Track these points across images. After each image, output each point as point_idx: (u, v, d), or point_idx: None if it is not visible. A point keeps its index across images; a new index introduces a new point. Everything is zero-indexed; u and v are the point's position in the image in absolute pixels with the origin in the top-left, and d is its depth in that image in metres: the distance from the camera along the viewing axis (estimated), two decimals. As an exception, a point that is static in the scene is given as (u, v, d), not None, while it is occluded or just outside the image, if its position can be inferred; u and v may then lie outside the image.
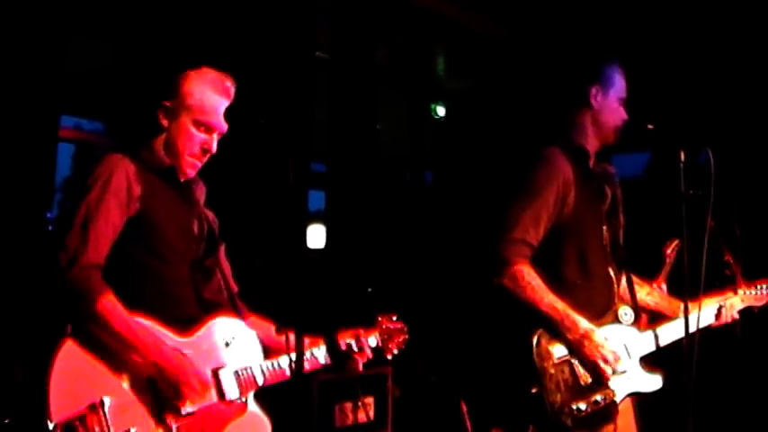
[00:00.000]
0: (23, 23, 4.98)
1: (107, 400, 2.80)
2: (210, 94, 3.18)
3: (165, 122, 3.17)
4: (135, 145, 3.18)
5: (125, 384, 2.88)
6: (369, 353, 3.52)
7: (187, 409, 2.94)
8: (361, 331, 3.55)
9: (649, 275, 4.02)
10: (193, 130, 3.16)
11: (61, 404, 2.74)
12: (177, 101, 3.16)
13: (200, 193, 3.35)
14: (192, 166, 3.21)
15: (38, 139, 5.10)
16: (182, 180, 3.23)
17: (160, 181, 3.14)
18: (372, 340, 3.58)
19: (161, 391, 2.91)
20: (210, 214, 3.39)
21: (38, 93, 5.08)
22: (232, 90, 3.25)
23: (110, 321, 2.84)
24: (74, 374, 2.80)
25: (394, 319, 3.72)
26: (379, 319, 3.67)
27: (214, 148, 3.20)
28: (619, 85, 3.67)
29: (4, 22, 4.89)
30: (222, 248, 3.39)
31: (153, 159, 3.16)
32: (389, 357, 3.67)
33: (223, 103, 3.22)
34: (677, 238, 4.15)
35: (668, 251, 4.46)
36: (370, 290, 3.66)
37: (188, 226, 3.21)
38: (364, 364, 3.52)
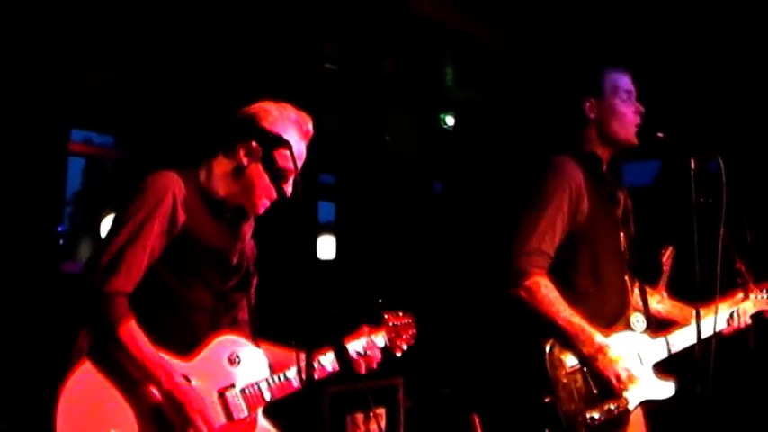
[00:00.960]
0: (33, 37, 5.00)
1: None
2: (296, 140, 3.10)
3: (244, 160, 3.10)
4: (194, 163, 3.15)
5: (133, 416, 2.85)
6: (377, 354, 3.45)
7: None
8: (366, 329, 3.48)
9: (655, 284, 4.00)
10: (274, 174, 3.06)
11: None
12: (264, 140, 3.01)
13: (248, 227, 3.28)
14: (264, 206, 3.15)
15: (48, 152, 5.12)
16: (227, 213, 3.16)
17: (207, 210, 3.09)
18: (380, 340, 3.51)
19: (167, 420, 2.88)
20: (251, 244, 3.34)
21: (48, 106, 5.10)
22: (311, 131, 3.19)
23: (129, 348, 2.82)
24: (81, 408, 2.78)
25: (400, 314, 3.65)
26: (386, 316, 3.60)
27: (290, 191, 3.08)
28: (612, 86, 3.61)
29: (14, 36, 4.91)
30: (255, 280, 3.35)
31: (208, 186, 3.11)
32: (399, 355, 3.59)
33: (303, 147, 3.15)
34: (671, 246, 4.12)
35: (664, 259, 4.43)
36: (380, 300, 3.63)
37: (225, 260, 3.16)
38: (376, 366, 3.47)
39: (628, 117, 3.59)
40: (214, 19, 6.00)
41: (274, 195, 3.09)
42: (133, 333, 2.84)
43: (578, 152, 3.60)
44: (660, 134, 3.50)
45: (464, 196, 9.22)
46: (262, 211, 3.17)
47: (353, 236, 7.45)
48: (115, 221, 2.93)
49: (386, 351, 3.55)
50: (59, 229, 5.20)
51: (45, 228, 5.06)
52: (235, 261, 3.20)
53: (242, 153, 3.10)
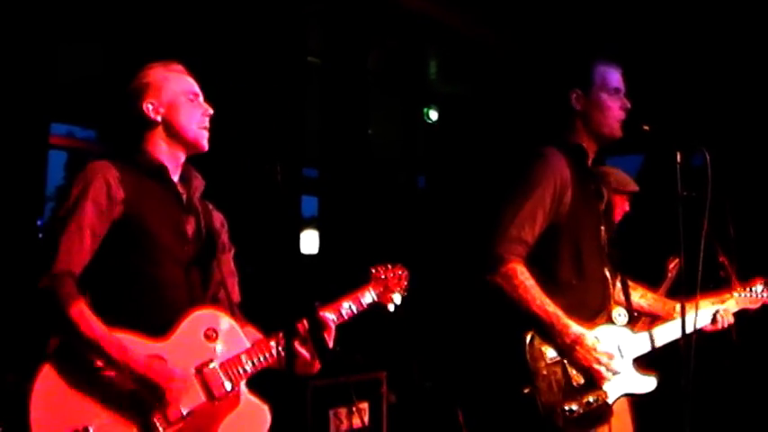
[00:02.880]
0: (13, 31, 4.96)
1: (91, 429, 2.76)
2: (175, 74, 3.21)
3: (158, 116, 3.14)
4: (127, 150, 3.14)
5: (109, 406, 2.81)
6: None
7: (176, 414, 2.88)
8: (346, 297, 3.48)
9: (641, 278, 3.99)
10: (189, 104, 3.15)
11: None
12: (157, 93, 3.14)
13: (197, 188, 3.28)
14: (203, 136, 3.17)
15: (28, 146, 5.09)
16: (171, 177, 3.18)
17: (150, 182, 3.09)
18: (368, 297, 3.52)
19: (146, 402, 2.84)
20: (218, 216, 3.33)
21: (28, 100, 5.07)
22: (181, 66, 3.27)
23: (81, 329, 2.78)
24: (54, 401, 2.74)
25: (389, 266, 3.66)
26: (373, 271, 3.61)
27: (210, 111, 3.20)
28: (601, 80, 3.60)
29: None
30: (230, 254, 3.34)
31: (145, 160, 3.12)
32: (390, 308, 3.59)
33: (189, 78, 3.25)
34: (680, 256, 4.11)
35: (670, 266, 4.41)
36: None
37: (181, 227, 3.14)
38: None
39: (613, 111, 3.58)
40: (196, 12, 5.97)
41: (200, 115, 3.17)
42: (84, 313, 2.80)
43: (565, 144, 3.59)
44: (646, 127, 3.50)
45: (447, 190, 9.22)
46: (203, 141, 3.18)
47: (337, 230, 7.44)
48: (52, 214, 2.96)
49: (376, 306, 3.54)
50: (39, 222, 5.16)
51: (25, 222, 5.02)
52: (191, 229, 3.18)
53: (152, 113, 3.14)
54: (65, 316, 2.78)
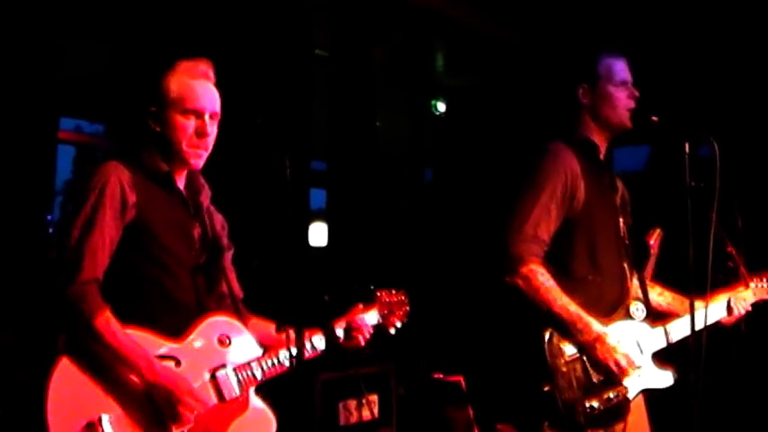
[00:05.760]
0: (21, 25, 4.97)
1: (105, 417, 2.80)
2: (188, 81, 3.14)
3: (157, 128, 3.13)
4: (136, 150, 3.15)
5: (124, 398, 2.86)
6: (365, 331, 3.47)
7: (188, 416, 2.92)
8: (360, 307, 3.53)
9: (642, 267, 3.97)
10: (183, 120, 3.10)
11: (59, 424, 2.74)
12: (160, 102, 3.12)
13: (205, 197, 3.30)
14: (195, 155, 3.15)
15: (37, 141, 5.09)
16: (177, 184, 3.19)
17: (157, 187, 3.11)
18: (372, 317, 3.54)
19: (160, 404, 2.89)
20: (219, 218, 3.36)
21: (36, 95, 5.07)
22: (210, 71, 3.21)
23: (106, 339, 2.83)
24: (71, 392, 2.78)
25: (393, 291, 3.67)
26: (378, 294, 3.63)
27: (210, 130, 3.14)
28: (607, 73, 3.59)
29: (2, 25, 4.88)
30: (230, 253, 3.35)
31: (152, 165, 3.12)
32: (392, 332, 3.62)
33: (204, 85, 3.17)
34: (659, 227, 4.07)
35: (651, 241, 4.36)
36: (372, 287, 3.63)
37: (188, 232, 3.17)
38: (368, 350, 3.48)
39: (621, 102, 3.57)
40: (203, 5, 5.97)
41: (192, 136, 3.12)
42: (110, 323, 2.85)
43: (573, 138, 3.58)
44: (655, 117, 3.48)
45: (455, 183, 9.21)
46: (194, 160, 3.16)
47: (345, 223, 7.44)
48: (69, 215, 2.96)
49: (379, 328, 3.56)
50: (49, 217, 5.17)
51: (34, 216, 5.03)
52: (197, 234, 3.20)
53: (152, 124, 3.14)
54: (92, 326, 2.82)
